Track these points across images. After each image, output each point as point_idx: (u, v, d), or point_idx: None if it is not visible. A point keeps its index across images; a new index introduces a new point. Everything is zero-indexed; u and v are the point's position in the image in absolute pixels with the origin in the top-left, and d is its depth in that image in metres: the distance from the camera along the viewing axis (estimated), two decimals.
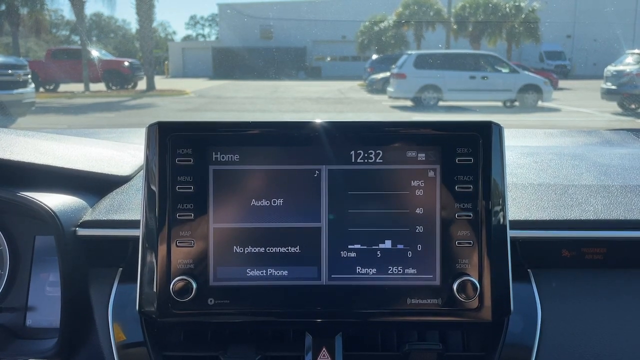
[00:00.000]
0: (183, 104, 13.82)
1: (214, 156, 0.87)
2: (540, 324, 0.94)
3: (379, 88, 14.94)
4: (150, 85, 17.53)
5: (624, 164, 1.23)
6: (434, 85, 12.28)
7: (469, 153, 0.86)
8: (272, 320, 0.89)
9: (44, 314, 1.05)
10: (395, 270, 0.87)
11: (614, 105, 10.79)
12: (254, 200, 0.87)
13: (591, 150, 1.41)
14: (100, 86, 16.70)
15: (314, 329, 0.91)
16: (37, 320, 1.05)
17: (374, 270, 0.87)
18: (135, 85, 17.55)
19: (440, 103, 12.09)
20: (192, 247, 0.86)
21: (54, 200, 1.01)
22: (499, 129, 0.87)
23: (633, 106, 10.72)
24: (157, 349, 0.95)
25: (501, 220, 0.86)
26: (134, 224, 0.94)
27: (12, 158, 1.06)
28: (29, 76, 9.30)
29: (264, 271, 0.87)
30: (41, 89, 15.52)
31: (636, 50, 11.51)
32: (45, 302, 1.05)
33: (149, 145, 0.87)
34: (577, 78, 21.45)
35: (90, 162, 1.15)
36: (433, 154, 0.86)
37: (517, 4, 22.29)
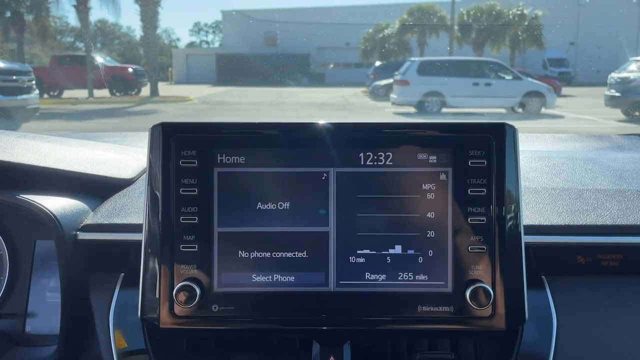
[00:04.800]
0: (186, 110, 13.84)
1: (218, 158, 0.84)
2: (556, 333, 0.91)
3: (382, 94, 14.94)
4: (154, 92, 17.59)
5: (638, 168, 1.20)
6: (437, 92, 12.28)
7: (482, 155, 0.83)
8: (278, 328, 0.86)
9: (44, 320, 1.03)
10: (405, 277, 0.84)
11: (618, 112, 10.76)
12: (259, 203, 0.84)
13: (603, 154, 1.38)
14: (104, 92, 16.75)
15: (322, 337, 0.88)
16: (36, 326, 1.03)
17: (383, 277, 0.84)
18: (139, 91, 17.59)
19: (444, 110, 12.08)
20: (196, 251, 0.84)
21: (55, 204, 0.98)
22: (513, 130, 0.85)
23: (637, 113, 10.68)
24: (159, 356, 0.92)
25: (515, 225, 0.83)
26: (136, 228, 0.92)
27: (12, 160, 1.05)
28: (34, 82, 9.34)
29: (270, 277, 0.84)
30: (45, 95, 15.56)
31: None
32: (46, 308, 1.03)
33: (152, 147, 0.85)
34: (581, 85, 21.41)
35: (92, 165, 1.13)
36: (445, 157, 0.84)
37: (520, 11, 22.34)
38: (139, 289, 0.85)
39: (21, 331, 1.02)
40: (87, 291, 0.97)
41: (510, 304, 0.83)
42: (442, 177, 0.84)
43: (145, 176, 0.86)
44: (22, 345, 1.01)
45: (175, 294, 0.82)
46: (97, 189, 1.10)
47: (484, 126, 0.84)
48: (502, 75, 13.12)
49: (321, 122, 0.85)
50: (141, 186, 1.12)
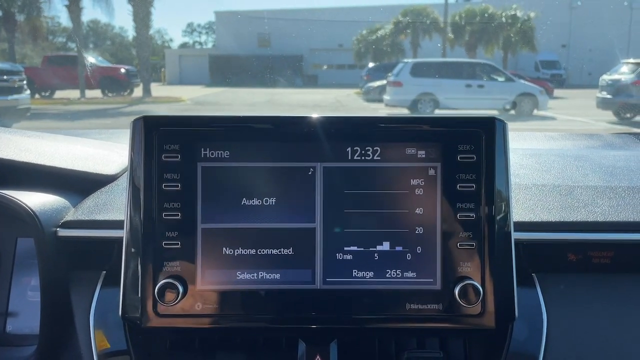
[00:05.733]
0: (179, 111, 13.80)
1: (202, 153, 0.82)
2: (546, 331, 0.89)
3: (375, 96, 14.96)
4: (147, 92, 17.53)
5: (629, 165, 1.19)
6: (430, 94, 12.32)
7: (471, 150, 0.82)
8: (263, 326, 0.85)
9: (25, 319, 1.01)
10: (393, 274, 0.82)
11: (609, 114, 10.84)
12: (244, 199, 0.82)
13: (595, 152, 1.37)
14: (96, 93, 16.67)
15: (308, 336, 0.86)
16: (17, 326, 1.00)
17: (371, 274, 0.82)
18: (131, 92, 17.53)
19: (437, 111, 12.11)
20: (179, 248, 0.82)
21: (34, 199, 0.96)
22: (503, 125, 0.83)
23: (628, 115, 10.78)
24: (141, 356, 0.90)
25: (505, 221, 0.82)
26: (118, 225, 0.89)
27: None
28: (25, 82, 9.29)
29: (255, 274, 0.82)
30: (37, 95, 15.47)
31: (631, 60, 11.60)
32: (27, 307, 1.01)
33: (133, 141, 0.83)
34: (572, 87, 21.57)
35: (74, 160, 1.11)
36: (433, 151, 0.82)
37: (513, 13, 22.46)
38: (120, 287, 0.83)
39: (2, 331, 1.00)
40: (67, 290, 0.95)
41: (500, 302, 0.81)
42: (431, 172, 0.82)
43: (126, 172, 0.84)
44: (3, 345, 0.99)
45: (158, 292, 0.80)
46: (78, 184, 1.07)
47: (473, 120, 0.83)
48: (495, 76, 13.18)
49: (307, 115, 0.83)
50: (124, 182, 1.10)
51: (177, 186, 0.82)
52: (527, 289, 0.92)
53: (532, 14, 22.40)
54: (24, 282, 1.02)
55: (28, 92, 9.58)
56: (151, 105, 15.05)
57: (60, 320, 0.93)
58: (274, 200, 0.83)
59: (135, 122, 0.83)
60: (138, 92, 17.67)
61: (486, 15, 22.79)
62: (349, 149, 0.82)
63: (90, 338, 0.91)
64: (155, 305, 0.81)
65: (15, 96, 8.86)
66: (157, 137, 0.82)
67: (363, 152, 0.82)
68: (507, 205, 0.82)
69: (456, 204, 0.82)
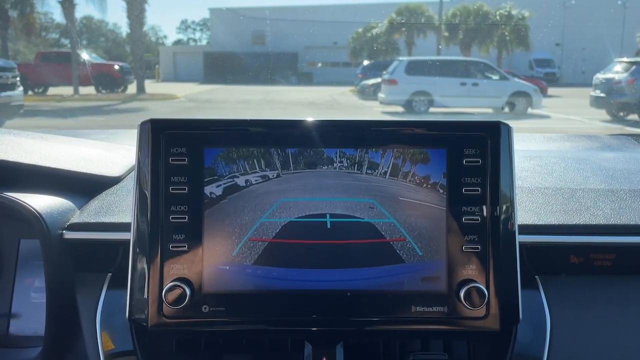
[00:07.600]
0: (173, 108, 13.75)
1: None
2: (550, 333, 0.90)
3: (370, 94, 14.97)
4: (141, 89, 17.43)
5: (630, 168, 1.20)
6: (425, 92, 12.32)
7: (476, 154, 0.82)
8: (270, 328, 0.85)
9: (29, 321, 1.01)
10: (399, 277, 0.83)
11: (602, 113, 10.90)
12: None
13: (594, 154, 1.38)
14: (90, 89, 16.57)
15: (314, 338, 0.87)
16: (21, 327, 1.00)
17: (377, 276, 0.83)
18: (125, 89, 17.44)
19: (431, 109, 12.13)
20: (185, 251, 0.82)
21: (40, 202, 0.96)
22: (508, 129, 0.84)
23: (621, 114, 10.83)
24: (147, 358, 0.90)
25: (510, 224, 0.83)
26: (124, 227, 0.90)
27: None
28: (18, 79, 9.23)
29: (262, 277, 0.82)
30: (30, 92, 15.37)
31: (624, 59, 11.65)
32: (30, 309, 1.01)
33: (141, 144, 0.83)
34: (566, 86, 21.63)
35: (78, 162, 1.11)
36: (439, 155, 0.83)
37: (507, 12, 22.50)
38: (126, 289, 0.83)
39: (5, 332, 1.00)
40: (73, 292, 0.95)
41: (504, 304, 0.82)
42: (437, 176, 0.83)
43: (133, 174, 0.84)
44: (6, 346, 0.99)
45: (165, 294, 0.80)
46: (83, 187, 1.07)
47: (479, 125, 0.83)
48: (489, 75, 13.19)
49: (311, 119, 0.83)
50: (129, 184, 1.10)
51: (184, 189, 0.82)
52: (530, 291, 0.93)
53: (526, 13, 22.46)
54: (27, 283, 1.02)
55: (21, 88, 9.52)
56: (145, 102, 14.98)
57: (66, 322, 0.93)
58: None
59: (142, 125, 0.83)
60: (132, 89, 17.57)
61: (480, 13, 22.82)
62: (354, 152, 0.83)
63: (96, 339, 0.91)
64: (161, 307, 0.81)
65: (8, 93, 8.81)
66: (164, 140, 0.82)
67: (368, 156, 0.83)
68: (512, 208, 0.83)
69: (462, 208, 0.82)
